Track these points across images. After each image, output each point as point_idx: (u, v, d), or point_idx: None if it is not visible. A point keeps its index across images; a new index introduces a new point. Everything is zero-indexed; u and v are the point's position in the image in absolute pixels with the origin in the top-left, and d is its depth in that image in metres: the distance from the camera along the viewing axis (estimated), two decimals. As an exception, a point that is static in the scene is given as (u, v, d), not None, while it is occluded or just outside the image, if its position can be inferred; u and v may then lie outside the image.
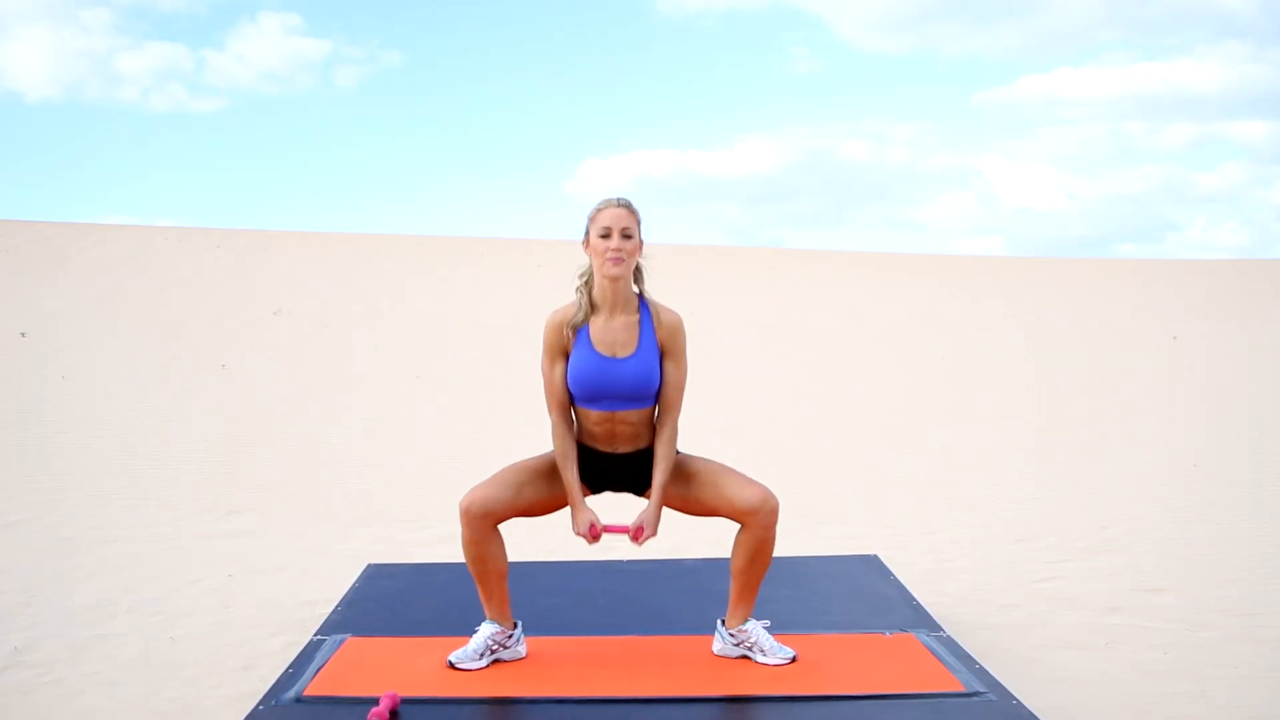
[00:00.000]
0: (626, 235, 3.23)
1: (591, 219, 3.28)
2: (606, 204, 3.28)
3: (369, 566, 4.52)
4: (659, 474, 3.29)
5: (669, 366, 3.30)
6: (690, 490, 3.33)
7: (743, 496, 3.26)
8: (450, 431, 9.46)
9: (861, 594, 4.12)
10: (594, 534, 3.25)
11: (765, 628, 3.41)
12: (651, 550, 5.43)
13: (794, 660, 3.31)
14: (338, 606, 3.99)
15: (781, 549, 5.39)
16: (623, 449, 3.33)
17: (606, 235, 3.23)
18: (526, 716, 3.02)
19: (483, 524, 3.23)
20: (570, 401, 3.32)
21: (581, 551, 5.32)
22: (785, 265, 29.04)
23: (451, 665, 3.26)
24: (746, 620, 3.37)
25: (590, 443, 3.34)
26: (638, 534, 3.27)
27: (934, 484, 7.28)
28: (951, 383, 13.40)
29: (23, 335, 15.07)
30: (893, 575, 4.34)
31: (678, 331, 3.31)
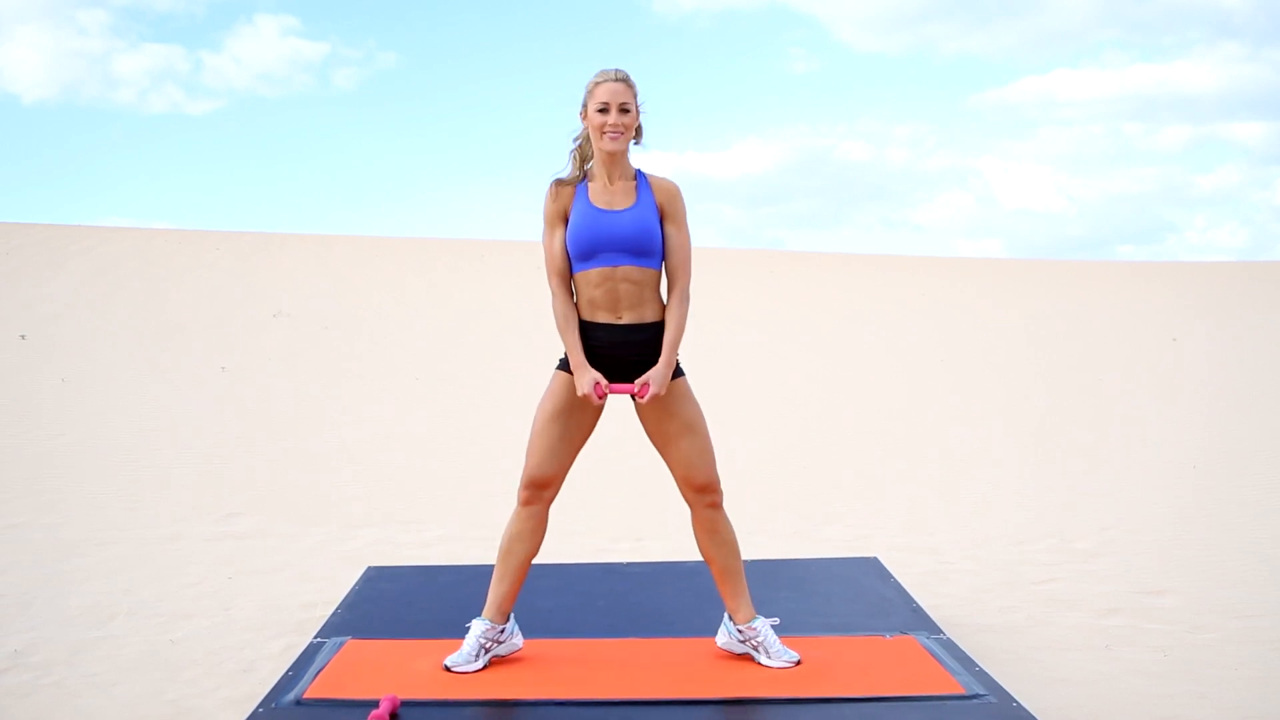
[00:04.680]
0: (624, 110, 3.22)
1: (589, 92, 3.25)
2: (604, 77, 3.25)
3: (369, 569, 4.52)
4: (671, 331, 3.25)
5: (671, 230, 3.29)
6: (662, 421, 3.28)
7: (696, 470, 3.28)
8: (449, 433, 9.46)
9: (861, 596, 4.12)
10: (599, 393, 3.21)
11: (774, 626, 3.41)
12: (652, 552, 5.43)
13: (797, 664, 3.30)
14: (337, 609, 3.99)
15: (782, 550, 5.41)
16: (627, 317, 3.24)
17: (604, 110, 3.22)
18: (526, 718, 3.01)
19: (544, 499, 3.30)
20: (570, 272, 3.28)
21: (582, 554, 5.31)
22: (784, 266, 29.03)
23: (448, 670, 3.25)
24: (754, 617, 3.36)
25: (593, 315, 3.26)
26: (643, 391, 3.22)
27: (934, 485, 7.28)
28: (951, 384, 13.41)
29: (22, 338, 15.06)
30: (893, 577, 4.34)
31: (676, 197, 3.31)
